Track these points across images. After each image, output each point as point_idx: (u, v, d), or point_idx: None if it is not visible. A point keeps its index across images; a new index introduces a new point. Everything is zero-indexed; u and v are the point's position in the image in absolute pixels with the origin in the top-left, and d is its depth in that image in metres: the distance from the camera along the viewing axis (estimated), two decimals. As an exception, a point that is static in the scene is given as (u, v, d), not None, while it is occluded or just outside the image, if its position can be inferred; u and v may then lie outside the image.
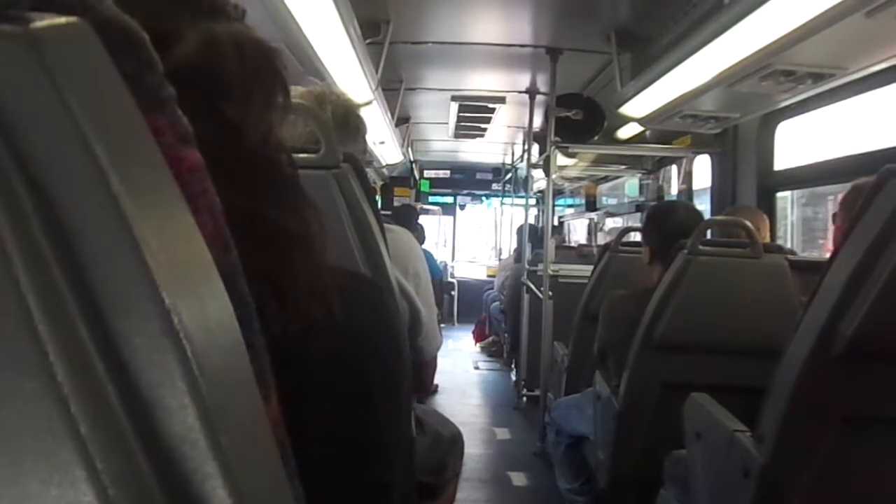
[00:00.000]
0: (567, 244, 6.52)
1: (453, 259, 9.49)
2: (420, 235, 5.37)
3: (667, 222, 2.29)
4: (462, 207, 9.52)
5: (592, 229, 7.08)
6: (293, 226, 0.53)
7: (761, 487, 1.23)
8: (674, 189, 4.60)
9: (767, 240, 2.43)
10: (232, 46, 0.49)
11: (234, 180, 0.42)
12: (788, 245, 3.96)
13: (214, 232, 0.35)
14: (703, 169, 3.85)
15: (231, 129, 0.48)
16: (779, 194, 3.28)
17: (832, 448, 1.18)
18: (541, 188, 6.65)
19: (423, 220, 6.68)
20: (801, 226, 3.95)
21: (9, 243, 0.24)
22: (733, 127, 3.18)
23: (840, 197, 2.27)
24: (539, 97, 4.56)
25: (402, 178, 8.16)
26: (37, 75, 0.26)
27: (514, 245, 6.44)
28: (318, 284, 0.52)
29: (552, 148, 3.78)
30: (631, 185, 5.85)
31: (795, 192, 3.74)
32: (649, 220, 2.44)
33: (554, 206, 4.38)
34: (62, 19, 0.28)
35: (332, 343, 0.52)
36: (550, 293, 3.78)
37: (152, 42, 0.33)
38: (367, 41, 2.85)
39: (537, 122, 4.82)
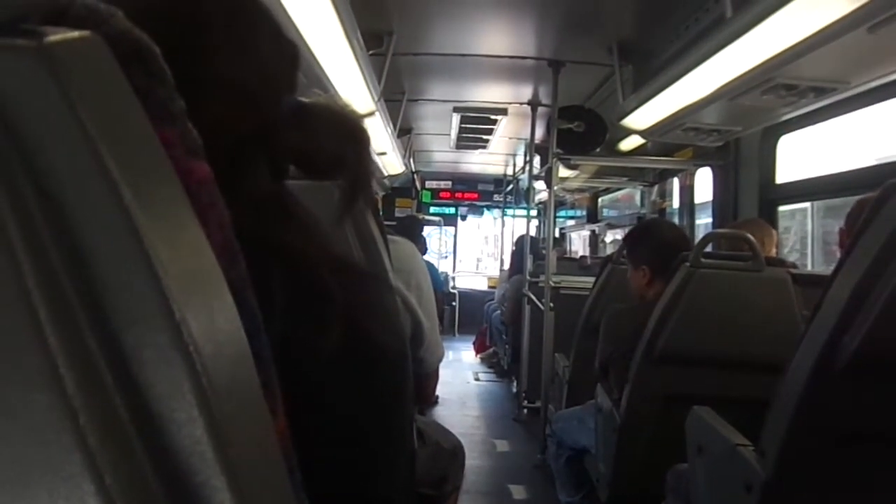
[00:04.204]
0: (568, 255, 6.52)
1: (454, 270, 9.48)
2: (422, 247, 5.37)
3: (656, 237, 2.33)
4: (463, 218, 9.53)
5: (593, 241, 7.09)
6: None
7: (763, 502, 1.22)
8: (675, 201, 4.60)
9: (773, 254, 2.42)
10: None
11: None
12: (808, 262, 3.91)
13: (223, 244, 0.35)
14: (704, 182, 3.85)
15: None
16: (796, 206, 3.25)
17: (835, 463, 1.17)
18: (542, 199, 6.67)
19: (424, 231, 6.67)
20: (821, 240, 3.83)
21: (20, 255, 0.24)
22: (735, 140, 3.19)
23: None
24: (541, 109, 4.57)
25: (404, 188, 8.17)
26: (50, 89, 0.26)
27: (512, 258, 6.40)
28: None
29: (554, 159, 3.79)
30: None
31: (816, 203, 3.68)
32: (639, 241, 2.42)
33: (555, 217, 4.37)
34: (75, 33, 0.28)
35: (339, 353, 0.52)
36: (552, 305, 3.78)
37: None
38: (370, 52, 2.87)
39: (539, 133, 4.83)
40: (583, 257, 5.24)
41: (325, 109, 0.60)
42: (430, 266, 4.01)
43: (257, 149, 0.56)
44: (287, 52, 0.62)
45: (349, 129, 0.59)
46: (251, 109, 0.56)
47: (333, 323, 0.52)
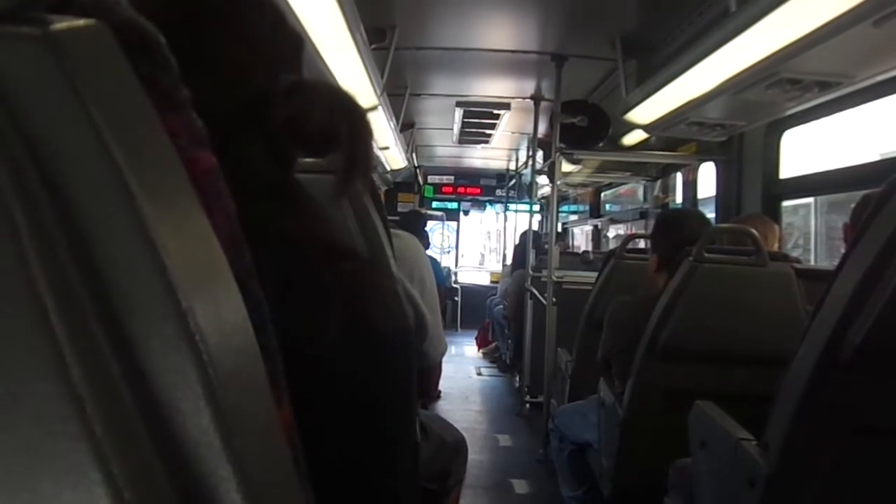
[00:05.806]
0: (570, 250, 6.52)
1: (457, 265, 9.49)
2: (425, 241, 5.37)
3: (677, 231, 2.24)
4: (466, 213, 9.53)
5: (596, 236, 7.08)
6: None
7: (767, 497, 1.22)
8: (678, 196, 4.60)
9: (776, 249, 2.41)
10: None
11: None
12: (811, 258, 3.90)
13: (229, 234, 0.35)
14: (708, 176, 3.84)
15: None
16: (799, 201, 3.24)
17: (838, 458, 1.17)
18: (545, 194, 6.67)
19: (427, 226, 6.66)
20: (825, 236, 3.80)
21: (26, 244, 0.24)
22: (739, 134, 3.18)
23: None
24: (544, 104, 4.56)
25: (406, 183, 8.17)
26: (55, 77, 0.26)
27: (515, 253, 6.40)
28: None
29: (557, 154, 3.78)
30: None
31: (819, 198, 3.66)
32: (659, 228, 2.40)
33: (558, 212, 4.36)
34: (80, 21, 0.28)
35: (343, 344, 0.52)
36: (554, 299, 3.78)
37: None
38: (373, 47, 2.86)
39: (542, 128, 4.82)
40: (585, 252, 5.24)
41: (319, 83, 0.60)
42: (432, 261, 4.00)
43: (251, 125, 0.56)
44: (288, 38, 0.62)
45: (343, 103, 0.58)
46: (242, 82, 0.56)
47: (335, 310, 0.52)
